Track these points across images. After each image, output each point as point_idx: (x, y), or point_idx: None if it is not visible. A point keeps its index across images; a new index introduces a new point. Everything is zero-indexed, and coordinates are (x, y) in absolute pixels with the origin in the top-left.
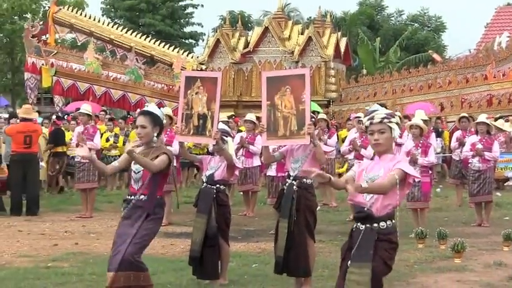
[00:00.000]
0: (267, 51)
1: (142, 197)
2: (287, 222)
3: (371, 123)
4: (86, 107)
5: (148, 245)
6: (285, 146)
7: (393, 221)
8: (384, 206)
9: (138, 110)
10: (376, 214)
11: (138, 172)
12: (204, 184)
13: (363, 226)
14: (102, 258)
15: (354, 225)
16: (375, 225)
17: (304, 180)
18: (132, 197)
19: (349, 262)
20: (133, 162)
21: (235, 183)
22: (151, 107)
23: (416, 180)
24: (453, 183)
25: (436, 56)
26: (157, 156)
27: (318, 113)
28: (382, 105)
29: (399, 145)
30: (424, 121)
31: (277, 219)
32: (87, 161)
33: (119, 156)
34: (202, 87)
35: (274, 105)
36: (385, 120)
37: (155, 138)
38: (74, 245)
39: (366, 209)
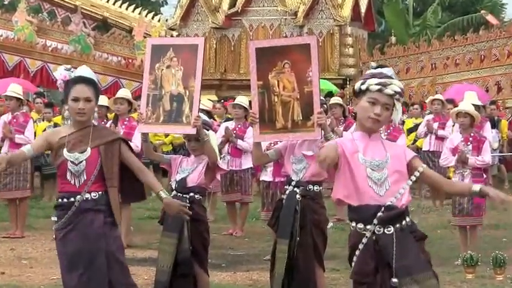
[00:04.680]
0: (261, 12)
1: (88, 195)
2: (287, 244)
3: (379, 91)
4: (15, 88)
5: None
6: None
7: None
8: (409, 201)
9: (69, 74)
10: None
11: (80, 163)
12: (174, 192)
13: (391, 228)
14: None
15: (371, 231)
16: (404, 223)
17: (311, 186)
18: (72, 199)
19: (395, 281)
20: (65, 149)
21: (217, 191)
22: (86, 71)
23: None
24: None
25: (490, 17)
26: (112, 142)
27: (333, 95)
28: (381, 66)
29: (441, 139)
30: (476, 107)
31: (274, 240)
32: None
33: None
34: (177, 58)
35: (268, 86)
36: (397, 96)
37: (96, 114)
38: (0, 275)
39: (387, 205)
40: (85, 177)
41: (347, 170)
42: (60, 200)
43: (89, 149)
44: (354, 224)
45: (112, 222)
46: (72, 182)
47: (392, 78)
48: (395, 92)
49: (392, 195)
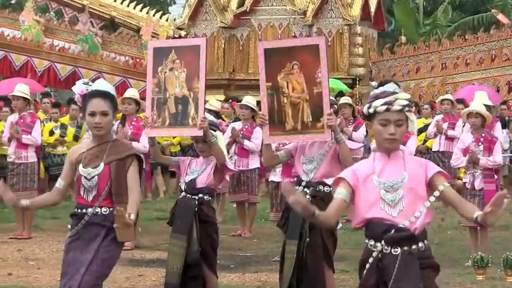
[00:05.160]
0: (270, 12)
1: (98, 210)
2: (296, 245)
3: (387, 110)
4: (22, 88)
5: (109, 274)
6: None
7: None
8: (424, 224)
9: (86, 88)
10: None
11: (92, 178)
12: (183, 193)
13: (398, 250)
14: None
15: (379, 250)
16: (414, 247)
17: (321, 187)
18: (84, 211)
19: None
20: (81, 165)
21: (226, 191)
22: (102, 84)
23: (477, 187)
24: None
25: (501, 17)
26: (125, 158)
27: (343, 94)
28: (382, 84)
29: (451, 139)
30: (487, 107)
31: (284, 242)
32: (23, 161)
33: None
34: (179, 60)
35: (277, 87)
36: (407, 108)
37: (114, 127)
38: (7, 276)
39: (399, 227)
40: (97, 192)
41: (361, 197)
42: (75, 209)
43: (102, 164)
44: (367, 240)
45: (113, 239)
46: (85, 196)
47: (397, 93)
48: (403, 106)
49: (406, 217)
